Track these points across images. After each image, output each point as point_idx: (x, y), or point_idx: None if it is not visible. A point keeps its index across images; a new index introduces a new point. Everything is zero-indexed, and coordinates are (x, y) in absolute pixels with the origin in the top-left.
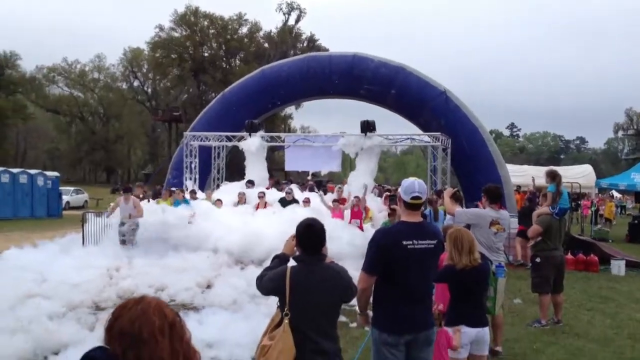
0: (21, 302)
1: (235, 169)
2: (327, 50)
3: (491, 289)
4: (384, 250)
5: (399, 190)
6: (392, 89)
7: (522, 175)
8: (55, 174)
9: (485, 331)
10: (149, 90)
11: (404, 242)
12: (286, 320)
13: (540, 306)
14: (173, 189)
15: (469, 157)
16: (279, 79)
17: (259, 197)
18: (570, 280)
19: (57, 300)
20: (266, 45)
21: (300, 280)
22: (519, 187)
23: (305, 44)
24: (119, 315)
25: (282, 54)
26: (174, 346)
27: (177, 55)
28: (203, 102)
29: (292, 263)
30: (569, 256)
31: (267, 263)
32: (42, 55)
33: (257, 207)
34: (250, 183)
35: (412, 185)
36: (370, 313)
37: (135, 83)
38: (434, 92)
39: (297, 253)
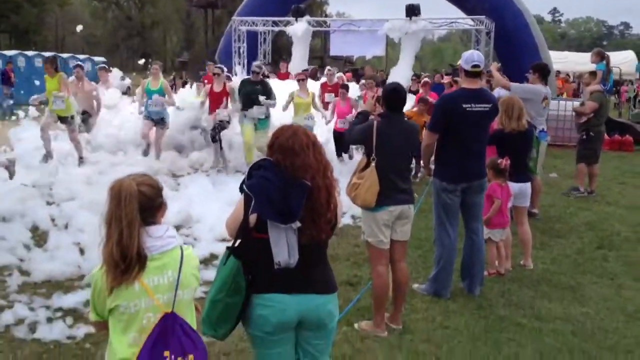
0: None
1: (279, 54)
2: None
3: (534, 151)
4: (445, 112)
5: (460, 61)
6: None
7: (563, 61)
8: (102, 59)
9: (527, 186)
10: None
11: (464, 105)
12: (373, 164)
13: (578, 175)
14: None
15: (512, 41)
16: None
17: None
18: (604, 158)
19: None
20: None
21: (384, 131)
22: (558, 72)
23: None
24: (278, 135)
25: None
26: (316, 157)
27: None
28: None
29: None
30: (605, 136)
31: None
32: None
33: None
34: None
35: (472, 55)
36: (432, 166)
37: None
38: None
39: (379, 111)
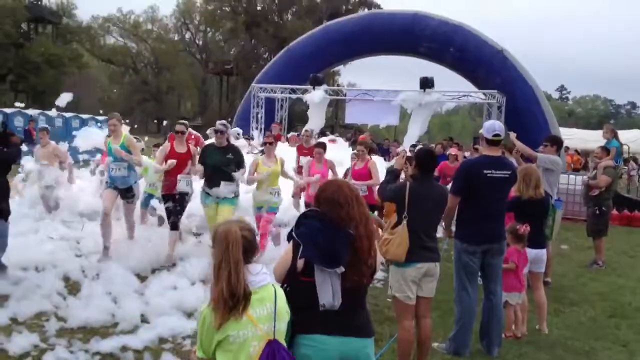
0: None
1: (294, 120)
2: (379, 6)
3: (550, 219)
4: (468, 177)
5: (481, 130)
6: (451, 47)
7: (570, 138)
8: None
9: (543, 252)
10: (201, 42)
11: (485, 171)
12: (404, 222)
13: (598, 249)
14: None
15: (523, 116)
16: (342, 35)
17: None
18: (614, 232)
19: None
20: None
21: (416, 192)
22: (567, 147)
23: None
24: (324, 189)
25: (333, 9)
26: (359, 209)
27: (230, 8)
28: (255, 56)
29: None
30: (615, 212)
31: None
32: (97, 4)
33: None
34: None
35: (493, 125)
36: (453, 228)
37: (187, 35)
38: (491, 50)
39: (409, 171)
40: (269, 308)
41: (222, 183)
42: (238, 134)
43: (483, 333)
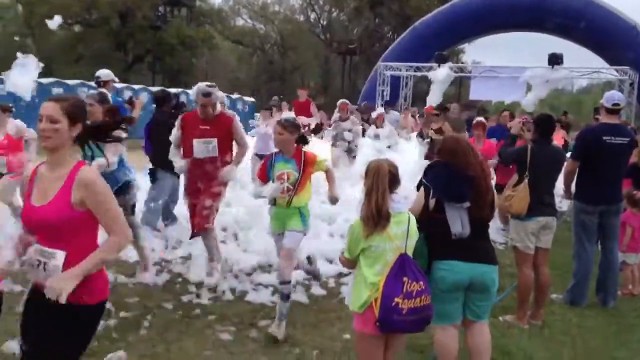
0: None
1: (418, 97)
2: None
3: None
4: (587, 143)
5: (602, 100)
6: (582, 22)
7: None
8: (252, 99)
9: None
10: (325, 22)
11: (604, 137)
12: (526, 180)
13: None
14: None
15: None
16: (469, 12)
17: None
18: None
19: None
20: None
21: (537, 154)
22: None
23: None
24: (444, 144)
25: None
26: (475, 156)
27: None
28: (379, 35)
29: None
30: None
31: None
32: None
33: None
34: None
35: (613, 95)
36: (573, 189)
37: (312, 16)
38: (624, 25)
39: (527, 135)
40: (403, 228)
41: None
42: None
43: (599, 287)
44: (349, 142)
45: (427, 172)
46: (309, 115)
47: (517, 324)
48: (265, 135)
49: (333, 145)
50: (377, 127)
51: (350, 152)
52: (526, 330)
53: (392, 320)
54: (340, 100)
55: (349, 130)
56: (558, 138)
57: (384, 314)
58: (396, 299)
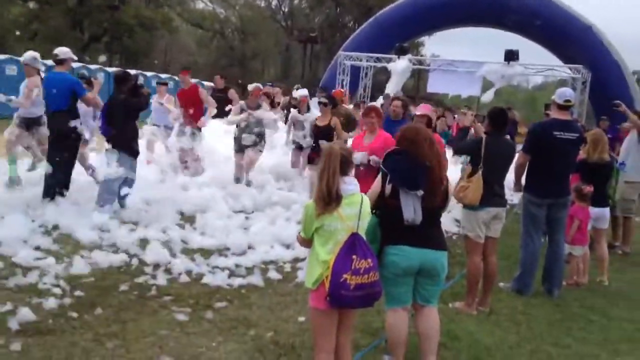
0: None
1: (377, 88)
2: None
3: (613, 180)
4: (538, 137)
5: (553, 96)
6: (538, 20)
7: None
8: (211, 84)
9: (606, 211)
10: (286, 9)
11: (554, 132)
12: (480, 172)
13: None
14: None
15: (607, 92)
16: (430, 5)
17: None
18: None
19: None
20: None
21: (490, 147)
22: None
23: None
24: (405, 132)
25: None
26: (432, 148)
27: None
28: (340, 24)
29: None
30: None
31: None
32: None
33: None
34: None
35: (565, 92)
36: (523, 182)
37: (274, 2)
38: (579, 25)
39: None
40: (355, 210)
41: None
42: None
43: (545, 277)
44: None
45: (386, 158)
46: (198, 103)
47: (465, 311)
48: (159, 109)
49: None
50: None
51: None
52: (474, 316)
53: (340, 295)
54: (252, 85)
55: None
56: None
57: (333, 289)
58: (344, 275)
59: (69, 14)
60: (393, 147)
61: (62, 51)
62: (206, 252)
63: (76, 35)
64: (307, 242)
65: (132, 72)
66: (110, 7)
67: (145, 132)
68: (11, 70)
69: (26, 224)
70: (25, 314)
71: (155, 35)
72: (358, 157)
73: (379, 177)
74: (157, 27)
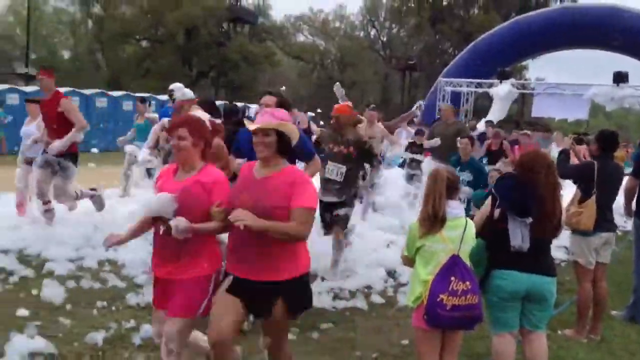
0: None
1: (479, 114)
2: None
3: None
4: None
5: None
6: None
7: None
8: (311, 114)
9: None
10: (385, 39)
11: None
12: (593, 197)
13: None
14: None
15: None
16: (532, 29)
17: None
18: None
19: None
20: None
21: (603, 171)
22: None
23: None
24: (523, 156)
25: (523, 2)
26: (548, 176)
27: (415, 4)
28: (439, 51)
29: None
30: None
31: None
32: (290, 4)
33: None
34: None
35: None
36: (633, 207)
37: (372, 32)
38: None
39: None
40: (458, 232)
41: None
42: None
43: None
44: None
45: (498, 182)
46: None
47: (575, 338)
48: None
49: None
50: None
51: None
52: (584, 344)
53: (437, 314)
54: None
55: None
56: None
57: (429, 307)
58: (441, 295)
59: (179, 51)
60: None
61: (176, 87)
62: (312, 276)
63: (185, 72)
64: (409, 261)
65: (239, 104)
66: (216, 43)
67: None
68: (127, 106)
69: (145, 247)
70: (147, 330)
71: (258, 69)
72: None
73: (489, 199)
74: (260, 62)
